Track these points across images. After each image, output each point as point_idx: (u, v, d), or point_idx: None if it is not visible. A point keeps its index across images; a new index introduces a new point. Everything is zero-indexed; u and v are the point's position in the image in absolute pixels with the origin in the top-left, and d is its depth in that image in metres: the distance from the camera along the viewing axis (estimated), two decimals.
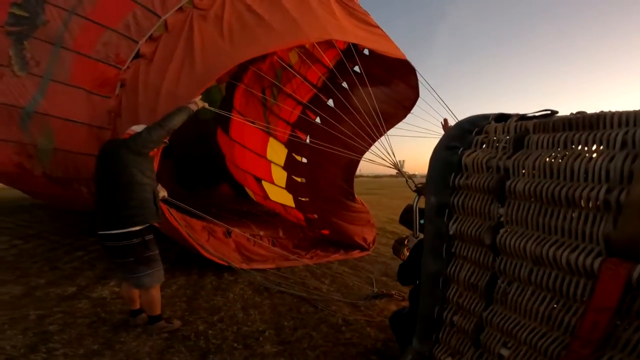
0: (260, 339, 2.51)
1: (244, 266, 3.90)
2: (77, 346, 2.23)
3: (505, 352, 1.12)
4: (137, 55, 3.79)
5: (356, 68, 4.41)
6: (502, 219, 1.16)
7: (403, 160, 3.38)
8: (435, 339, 1.40)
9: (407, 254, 2.33)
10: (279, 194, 6.25)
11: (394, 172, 3.25)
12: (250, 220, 5.81)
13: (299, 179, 6.10)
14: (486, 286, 1.19)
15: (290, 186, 6.15)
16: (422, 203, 2.42)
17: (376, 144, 3.73)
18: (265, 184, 6.31)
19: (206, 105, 3.12)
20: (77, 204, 5.78)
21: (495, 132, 1.26)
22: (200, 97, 3.10)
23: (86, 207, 5.84)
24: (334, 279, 3.97)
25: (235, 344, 2.42)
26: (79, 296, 3.15)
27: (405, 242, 2.62)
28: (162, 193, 2.81)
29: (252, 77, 5.58)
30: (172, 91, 3.36)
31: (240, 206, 7.24)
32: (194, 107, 2.91)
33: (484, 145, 1.28)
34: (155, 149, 2.73)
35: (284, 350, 2.38)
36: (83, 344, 2.27)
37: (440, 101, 3.84)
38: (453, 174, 1.30)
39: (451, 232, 1.32)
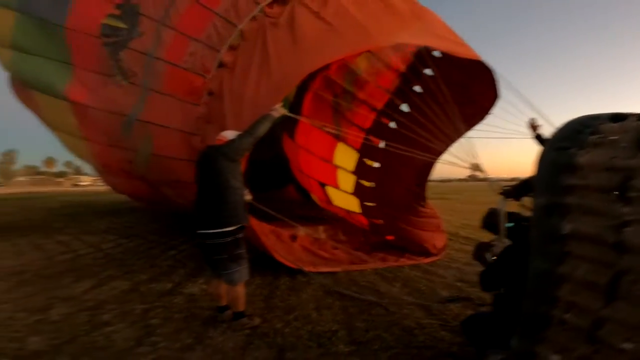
0: (333, 338, 2.60)
1: (311, 269, 4.03)
2: (174, 340, 2.53)
3: (628, 346, 1.14)
4: (220, 64, 4.04)
5: (428, 70, 4.27)
6: (626, 217, 1.16)
7: (479, 163, 3.19)
8: (539, 338, 1.42)
9: (492, 259, 2.22)
10: (343, 199, 6.31)
11: (463, 175, 3.10)
12: (315, 224, 5.95)
13: (367, 184, 6.12)
14: (607, 284, 1.20)
15: (358, 191, 6.18)
16: (507, 207, 2.33)
17: (454, 146, 3.58)
18: (329, 189, 6.40)
19: (286, 112, 3.27)
20: (166, 205, 6.44)
21: (614, 132, 1.26)
22: (281, 104, 3.25)
23: (172, 208, 6.52)
24: (405, 282, 3.93)
25: (310, 343, 2.53)
26: (174, 292, 3.56)
27: (490, 247, 2.49)
28: (248, 196, 3.05)
29: (322, 84, 5.66)
30: (254, 98, 3.54)
31: (308, 212, 7.41)
32: (276, 114, 3.09)
33: (599, 146, 1.27)
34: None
35: (357, 351, 2.43)
36: (179, 338, 2.57)
37: (524, 100, 3.51)
38: (565, 175, 1.31)
39: (565, 232, 1.32)
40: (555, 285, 1.36)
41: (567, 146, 1.33)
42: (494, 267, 2.10)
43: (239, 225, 2.74)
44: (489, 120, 4.61)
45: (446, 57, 4.34)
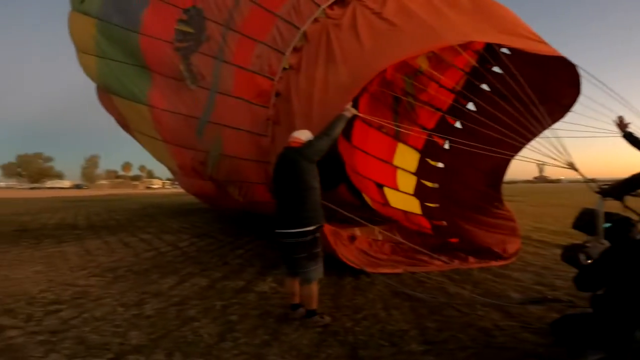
0: (405, 337, 2.60)
1: (372, 270, 4.00)
2: (252, 336, 2.69)
3: None
4: (286, 66, 4.14)
5: (496, 68, 4.05)
6: None
7: (573, 162, 2.96)
8: None
9: (587, 261, 2.10)
10: (401, 200, 6.20)
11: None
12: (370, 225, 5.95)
13: (430, 185, 6.00)
14: None
15: (419, 192, 6.07)
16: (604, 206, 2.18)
17: (542, 145, 3.37)
18: (387, 190, 6.33)
19: (355, 111, 3.29)
20: (231, 204, 6.68)
21: None
22: (351, 104, 3.26)
23: (237, 207, 6.84)
24: (476, 284, 3.79)
25: (382, 341, 2.55)
26: (247, 289, 3.78)
27: (583, 249, 2.34)
28: None
29: (379, 86, 5.61)
30: (323, 98, 3.59)
31: (361, 213, 7.36)
32: (348, 115, 3.14)
33: None
34: None
35: (431, 350, 2.41)
36: (257, 334, 2.73)
37: (615, 95, 3.20)
38: None
39: None
40: None
41: None
42: (594, 267, 2.01)
43: (318, 225, 2.84)
44: (570, 118, 4.23)
45: (517, 53, 4.04)
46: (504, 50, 4.19)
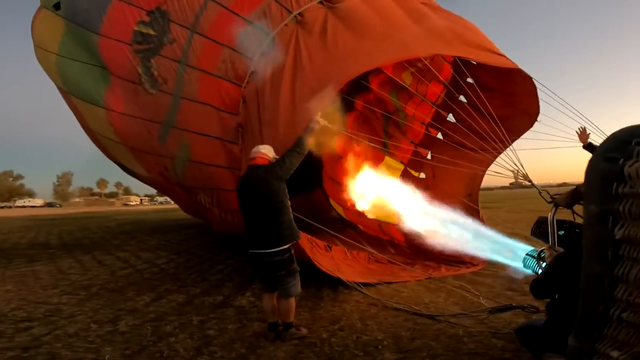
0: (380, 347, 2.66)
1: (349, 279, 4.02)
2: (229, 350, 2.70)
3: None
4: (253, 72, 4.05)
5: (470, 79, 4.29)
6: None
7: (524, 173, 3.16)
8: (597, 336, 1.51)
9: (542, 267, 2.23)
10: (380, 210, 6.32)
11: (506, 183, 3.10)
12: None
13: None
14: None
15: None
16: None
17: (501, 156, 3.58)
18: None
19: (327, 123, 3.28)
20: (201, 212, 6.49)
21: None
22: (319, 115, 3.27)
23: (206, 217, 6.63)
24: (449, 292, 3.90)
25: (356, 352, 2.60)
26: (225, 304, 3.77)
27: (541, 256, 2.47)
28: None
29: (368, 103, 5.73)
30: (290, 106, 3.56)
31: (338, 224, 7.40)
32: (317, 127, 3.18)
33: None
34: None
35: (404, 358, 2.48)
36: (234, 347, 2.74)
37: (570, 107, 3.47)
38: (615, 184, 1.40)
39: (617, 237, 1.41)
40: (611, 286, 1.44)
41: (616, 157, 1.41)
42: (547, 274, 2.11)
43: (294, 242, 2.88)
44: (537, 127, 4.51)
45: (484, 65, 4.30)
46: (474, 62, 4.44)
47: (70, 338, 2.91)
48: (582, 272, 1.55)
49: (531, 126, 4.56)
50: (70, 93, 6.02)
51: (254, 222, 2.86)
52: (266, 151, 2.96)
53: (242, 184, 2.95)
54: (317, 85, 3.48)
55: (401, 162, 6.27)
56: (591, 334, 1.52)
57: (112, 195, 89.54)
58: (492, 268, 4.83)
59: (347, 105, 5.79)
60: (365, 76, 5.35)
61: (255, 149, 3.00)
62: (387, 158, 6.22)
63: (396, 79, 4.74)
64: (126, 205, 64.08)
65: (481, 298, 3.52)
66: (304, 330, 2.95)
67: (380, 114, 5.77)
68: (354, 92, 5.32)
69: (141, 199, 78.64)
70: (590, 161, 1.52)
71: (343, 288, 4.07)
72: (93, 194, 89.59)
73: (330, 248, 4.62)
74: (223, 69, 4.24)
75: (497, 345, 2.59)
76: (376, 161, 6.20)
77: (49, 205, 63.02)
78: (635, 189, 1.33)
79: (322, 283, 4.19)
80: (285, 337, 2.86)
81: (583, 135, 3.08)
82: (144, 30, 4.68)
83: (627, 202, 1.37)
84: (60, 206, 62.28)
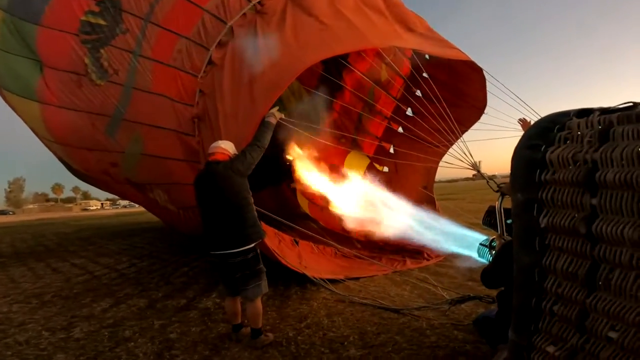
0: (345, 343, 2.67)
1: (315, 275, 3.99)
2: (192, 352, 2.62)
3: (614, 335, 1.16)
4: (210, 62, 3.94)
5: (425, 74, 4.42)
6: (595, 209, 1.20)
7: (480, 161, 3.29)
8: (534, 330, 1.46)
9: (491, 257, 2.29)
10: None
11: (469, 174, 3.21)
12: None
13: None
14: (587, 274, 1.24)
15: None
16: (506, 203, 2.40)
17: (453, 147, 3.70)
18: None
19: (283, 116, 3.24)
20: (157, 212, 6.27)
21: (579, 127, 1.32)
22: (276, 107, 3.22)
23: (159, 215, 6.33)
24: (414, 285, 3.99)
25: (323, 349, 2.61)
26: (189, 307, 3.65)
27: (492, 244, 2.56)
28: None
29: (347, 102, 5.78)
30: (248, 96, 3.47)
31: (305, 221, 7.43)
32: (273, 120, 3.09)
33: (567, 141, 1.34)
34: None
35: (369, 354, 2.50)
36: (197, 350, 2.66)
37: (516, 98, 3.65)
38: (538, 171, 1.37)
39: (542, 225, 1.38)
40: (541, 277, 1.41)
41: (538, 144, 1.40)
42: (494, 264, 2.14)
43: (260, 240, 2.77)
44: (485, 119, 4.74)
45: (437, 60, 4.49)
46: (426, 56, 4.59)
47: (20, 346, 2.74)
48: (514, 264, 1.51)
49: (479, 118, 4.80)
50: (4, 88, 5.58)
51: (214, 221, 2.71)
52: (226, 147, 2.83)
53: (199, 180, 2.79)
54: (274, 75, 3.42)
55: (367, 156, 6.39)
56: (527, 328, 1.48)
57: (70, 200, 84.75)
58: (455, 260, 4.98)
59: (327, 107, 5.86)
60: (341, 74, 5.44)
61: (214, 144, 2.86)
62: (352, 152, 6.31)
63: (365, 79, 4.82)
64: (85, 210, 60.84)
65: (439, 289, 3.62)
66: (272, 336, 2.81)
67: (356, 113, 5.87)
68: (331, 90, 5.35)
69: (102, 203, 74.99)
70: (515, 149, 1.49)
71: (311, 285, 4.07)
72: (48, 200, 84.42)
73: (297, 243, 4.60)
74: (179, 59, 4.10)
75: (458, 337, 2.66)
76: (340, 157, 6.29)
77: (1, 213, 58.67)
78: (557, 175, 1.31)
79: (289, 281, 4.17)
80: (256, 344, 2.69)
81: (525, 124, 3.24)
82: (93, 20, 4.46)
83: (550, 189, 1.35)
84: (13, 213, 58.23)
